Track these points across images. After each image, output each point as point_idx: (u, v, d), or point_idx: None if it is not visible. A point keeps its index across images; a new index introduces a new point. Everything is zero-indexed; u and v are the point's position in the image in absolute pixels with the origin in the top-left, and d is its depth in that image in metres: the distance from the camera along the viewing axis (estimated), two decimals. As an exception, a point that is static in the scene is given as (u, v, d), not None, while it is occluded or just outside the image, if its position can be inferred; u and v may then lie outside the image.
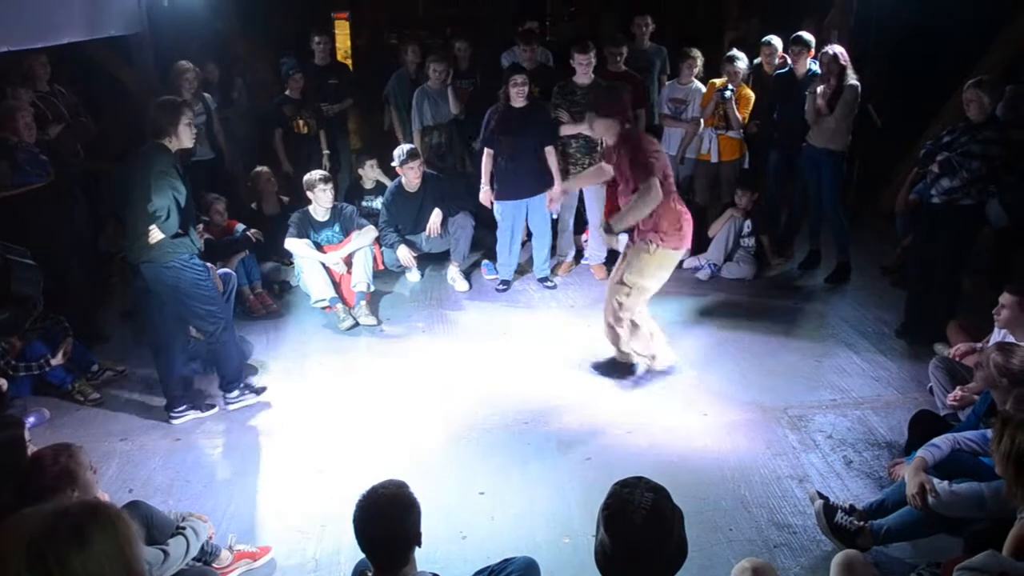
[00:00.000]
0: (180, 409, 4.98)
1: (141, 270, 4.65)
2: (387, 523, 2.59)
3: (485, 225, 7.13)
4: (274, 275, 6.89)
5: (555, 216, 6.86)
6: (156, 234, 4.46)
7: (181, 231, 4.57)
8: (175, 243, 4.56)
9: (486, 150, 6.60)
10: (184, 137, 4.59)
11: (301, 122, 7.69)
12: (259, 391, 5.19)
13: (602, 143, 5.24)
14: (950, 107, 6.89)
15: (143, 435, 4.84)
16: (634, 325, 5.23)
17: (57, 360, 4.99)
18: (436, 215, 6.87)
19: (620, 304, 5.14)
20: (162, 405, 5.03)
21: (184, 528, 3.35)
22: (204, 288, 4.78)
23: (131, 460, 4.59)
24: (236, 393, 5.08)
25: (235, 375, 5.10)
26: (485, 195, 6.72)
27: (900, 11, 7.17)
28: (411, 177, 6.82)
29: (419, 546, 2.66)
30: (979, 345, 4.68)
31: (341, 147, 8.27)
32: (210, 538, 3.56)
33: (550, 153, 6.51)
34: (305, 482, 4.35)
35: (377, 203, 7.29)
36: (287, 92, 7.71)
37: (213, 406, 5.14)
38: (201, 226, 5.53)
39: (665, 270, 5.17)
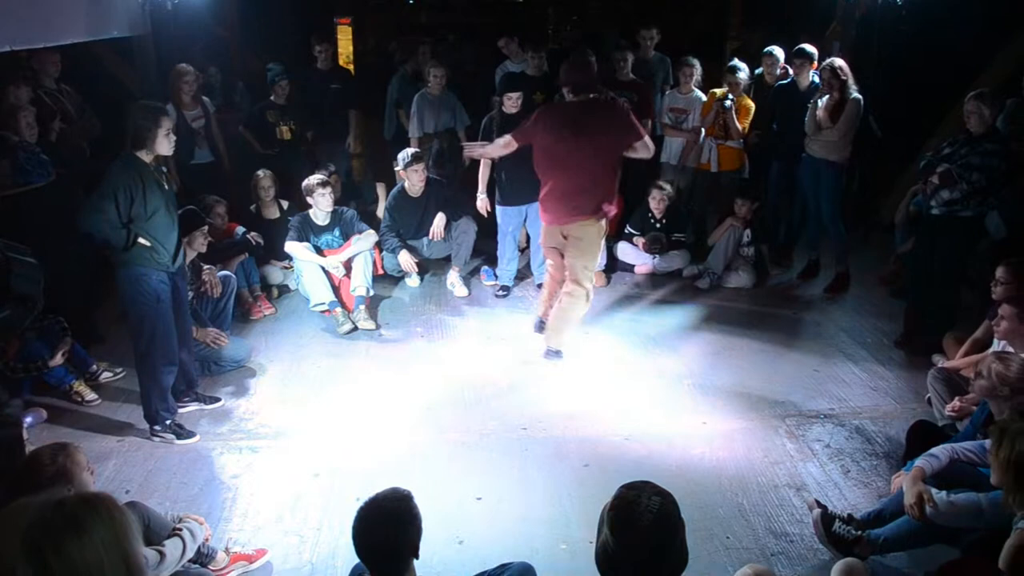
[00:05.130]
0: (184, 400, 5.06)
1: None
2: (386, 535, 2.58)
3: (484, 232, 7.14)
4: (273, 278, 6.88)
5: None
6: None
7: (145, 243, 4.43)
8: (131, 253, 4.44)
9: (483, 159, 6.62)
10: (162, 146, 4.44)
11: (285, 128, 7.69)
12: (186, 435, 4.79)
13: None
14: (951, 119, 6.91)
15: (141, 436, 4.82)
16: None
17: (55, 361, 4.97)
18: (440, 219, 6.87)
19: (588, 293, 5.53)
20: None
21: (180, 529, 3.34)
22: (136, 310, 4.57)
23: (128, 461, 4.58)
24: (157, 428, 4.78)
25: (155, 412, 4.76)
26: (482, 203, 6.75)
27: (901, 23, 7.19)
28: (415, 181, 6.83)
29: (416, 558, 2.65)
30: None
31: (338, 152, 8.26)
32: (206, 540, 3.55)
33: None
34: (302, 485, 4.34)
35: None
36: (272, 98, 7.72)
37: (218, 399, 5.22)
38: (205, 228, 5.51)
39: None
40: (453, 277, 7.00)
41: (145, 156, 4.44)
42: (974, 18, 6.97)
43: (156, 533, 3.32)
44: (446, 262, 7.15)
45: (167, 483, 4.38)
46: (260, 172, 7.05)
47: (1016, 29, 7.08)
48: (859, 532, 3.63)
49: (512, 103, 6.41)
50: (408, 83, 8.13)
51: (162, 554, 3.17)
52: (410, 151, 6.93)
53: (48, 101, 5.84)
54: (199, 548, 3.44)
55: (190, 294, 5.59)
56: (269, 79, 7.84)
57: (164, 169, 4.77)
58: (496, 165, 6.56)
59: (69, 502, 1.77)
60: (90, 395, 5.20)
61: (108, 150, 6.47)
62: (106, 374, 5.45)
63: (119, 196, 4.32)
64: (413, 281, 7.10)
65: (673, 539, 2.13)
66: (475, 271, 7.32)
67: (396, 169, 6.98)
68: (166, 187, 4.61)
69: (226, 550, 3.68)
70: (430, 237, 6.94)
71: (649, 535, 2.10)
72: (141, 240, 4.43)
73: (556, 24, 14.84)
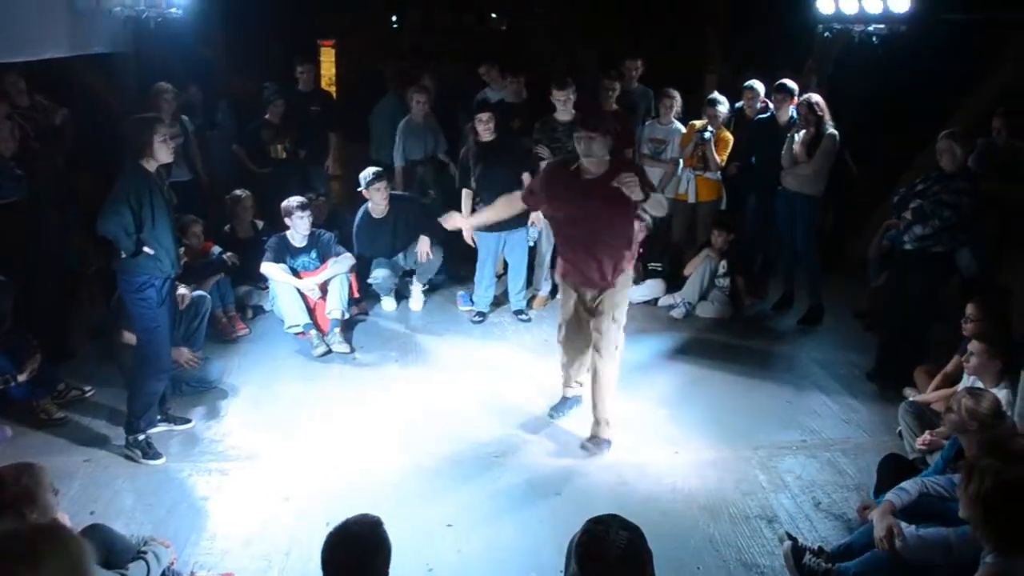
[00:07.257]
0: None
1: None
2: (354, 562, 2.57)
3: (463, 256, 7.11)
4: (247, 299, 6.84)
5: (532, 244, 6.86)
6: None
7: (149, 251, 4.49)
8: (136, 261, 4.51)
9: (464, 191, 6.59)
10: (161, 153, 4.52)
11: (280, 147, 7.69)
12: (152, 455, 4.70)
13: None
14: (924, 156, 7.01)
15: (107, 456, 4.75)
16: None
17: (23, 377, 4.90)
18: (424, 242, 6.82)
19: (617, 346, 4.92)
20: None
21: (145, 553, 3.30)
22: (142, 316, 4.62)
23: (94, 481, 4.50)
24: (131, 439, 4.70)
25: (135, 419, 4.70)
26: (468, 233, 6.33)
27: (877, 61, 7.31)
28: (377, 200, 6.77)
29: None
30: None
31: (316, 174, 8.22)
32: (172, 564, 3.50)
33: (527, 179, 6.51)
34: (271, 509, 4.28)
35: None
36: (267, 116, 7.72)
37: (188, 420, 5.15)
38: (182, 249, 5.47)
39: None
40: (415, 291, 6.99)
41: (148, 165, 4.51)
42: (948, 58, 7.10)
43: (119, 556, 3.26)
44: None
45: (133, 504, 4.32)
46: (241, 192, 7.03)
47: (989, 70, 7.22)
48: (829, 565, 3.63)
49: (484, 126, 6.30)
50: (397, 108, 8.10)
51: (125, 578, 3.12)
52: (372, 169, 6.83)
53: (18, 119, 5.76)
54: (164, 572, 3.39)
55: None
56: (265, 98, 7.86)
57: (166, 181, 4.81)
58: (476, 192, 6.54)
59: (24, 532, 1.75)
60: (57, 413, 5.12)
61: (83, 166, 6.46)
62: (74, 392, 5.36)
63: (131, 201, 4.41)
64: (389, 305, 7.07)
65: (641, 574, 2.12)
66: (451, 297, 7.29)
67: (359, 190, 6.88)
68: (167, 198, 4.66)
69: (192, 574, 3.63)
70: (419, 258, 6.89)
71: (617, 570, 2.09)
72: (146, 248, 4.48)
73: (538, 51, 14.95)
